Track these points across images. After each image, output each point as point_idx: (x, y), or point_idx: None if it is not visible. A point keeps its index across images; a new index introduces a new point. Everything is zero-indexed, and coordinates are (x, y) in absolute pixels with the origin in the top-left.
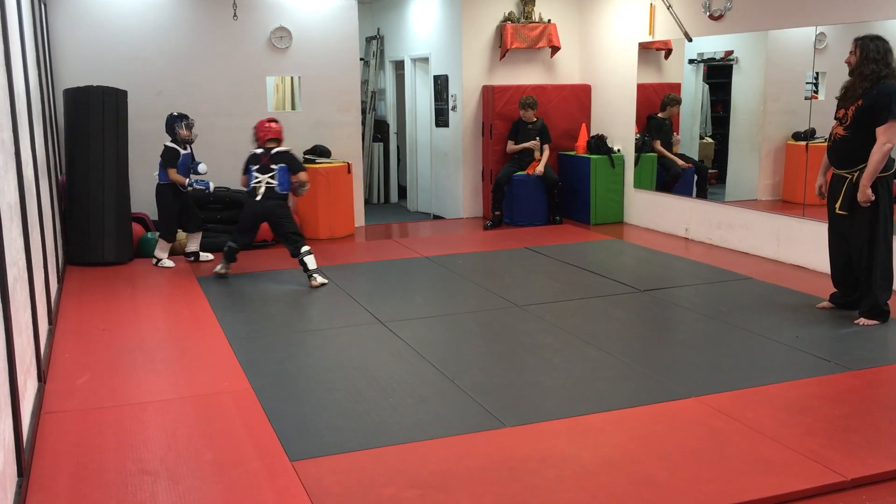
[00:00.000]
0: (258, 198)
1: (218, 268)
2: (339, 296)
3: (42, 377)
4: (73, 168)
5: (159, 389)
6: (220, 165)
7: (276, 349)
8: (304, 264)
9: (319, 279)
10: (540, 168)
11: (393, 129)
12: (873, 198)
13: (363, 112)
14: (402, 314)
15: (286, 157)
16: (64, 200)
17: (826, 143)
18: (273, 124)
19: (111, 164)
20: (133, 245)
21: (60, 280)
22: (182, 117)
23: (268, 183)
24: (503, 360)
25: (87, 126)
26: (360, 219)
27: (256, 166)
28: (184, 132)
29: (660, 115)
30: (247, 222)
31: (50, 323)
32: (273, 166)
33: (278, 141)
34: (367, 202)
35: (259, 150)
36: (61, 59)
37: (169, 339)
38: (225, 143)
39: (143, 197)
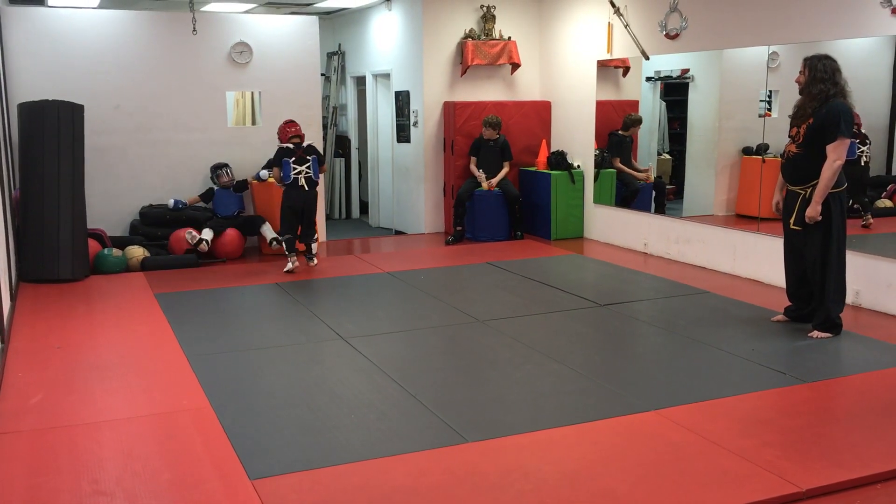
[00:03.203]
0: (305, 187)
1: (290, 267)
2: (300, 312)
3: None
4: (28, 183)
5: (115, 408)
6: (178, 180)
7: (235, 366)
8: (310, 249)
9: (315, 261)
10: (493, 181)
11: (354, 144)
12: (819, 218)
13: (324, 127)
14: (363, 330)
15: (315, 149)
16: (18, 216)
17: (780, 160)
18: (290, 126)
19: (67, 179)
20: (89, 262)
21: (13, 297)
22: (221, 166)
23: (305, 173)
24: (465, 376)
25: (43, 140)
26: (321, 234)
27: (293, 158)
28: (224, 178)
29: (621, 132)
30: (292, 213)
31: (2, 341)
32: (307, 157)
33: (300, 136)
34: (329, 217)
35: (290, 146)
36: (16, 73)
37: (126, 357)
38: (184, 158)
39: (99, 212)
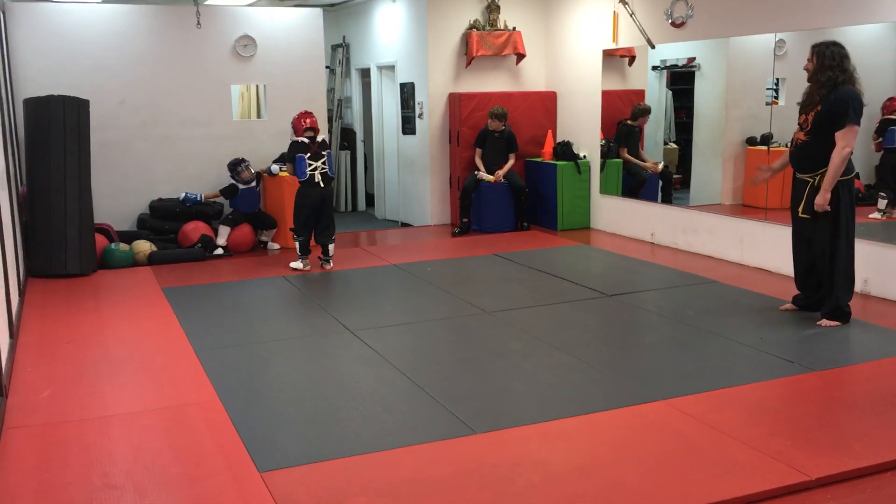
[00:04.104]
0: (321, 184)
1: (298, 264)
2: (308, 305)
3: (4, 392)
4: (35, 179)
5: (125, 402)
6: (185, 174)
7: (243, 359)
8: (327, 250)
9: (331, 264)
10: (500, 173)
11: (360, 136)
12: (828, 208)
13: (329, 120)
14: (371, 322)
15: (328, 145)
16: (25, 212)
17: (788, 149)
18: (308, 117)
19: (73, 174)
20: (96, 256)
21: (22, 293)
22: (240, 161)
23: (321, 169)
24: (473, 367)
25: (49, 136)
26: None
27: (308, 154)
28: (245, 174)
29: (630, 122)
30: (309, 210)
31: (11, 337)
32: (322, 153)
33: (315, 130)
34: (335, 210)
35: (305, 140)
36: (21, 69)
37: (134, 351)
38: (190, 153)
39: (106, 207)
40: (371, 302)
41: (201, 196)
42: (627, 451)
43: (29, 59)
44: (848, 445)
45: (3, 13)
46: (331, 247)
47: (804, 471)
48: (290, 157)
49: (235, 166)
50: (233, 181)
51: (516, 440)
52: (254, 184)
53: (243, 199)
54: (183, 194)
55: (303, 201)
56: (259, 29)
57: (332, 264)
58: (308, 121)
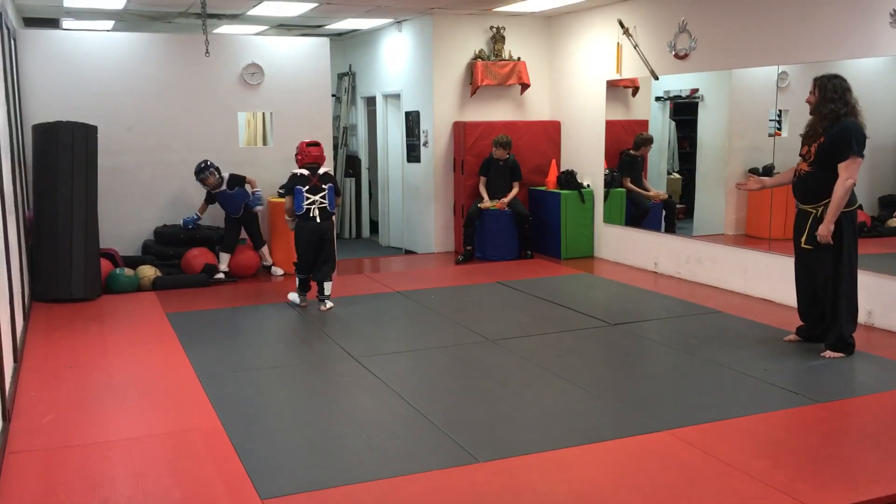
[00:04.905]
0: (317, 219)
1: (295, 297)
2: (311, 331)
3: (7, 416)
4: (41, 203)
5: (127, 427)
6: (190, 201)
7: (246, 385)
8: (323, 289)
9: (329, 304)
10: (505, 200)
11: (365, 164)
12: (830, 240)
13: (335, 147)
14: (374, 349)
15: (332, 177)
16: (31, 236)
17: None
18: (313, 149)
19: (80, 199)
20: (101, 281)
21: (26, 317)
22: (203, 168)
23: (320, 203)
24: (475, 395)
25: (56, 161)
26: None
27: (307, 187)
28: (211, 180)
29: (632, 151)
30: (307, 246)
31: (15, 361)
32: (323, 186)
33: (320, 162)
34: (339, 237)
35: (304, 172)
36: (30, 95)
37: (137, 376)
38: (196, 179)
39: (112, 232)
40: (374, 329)
41: (197, 214)
42: (630, 480)
43: (39, 86)
44: (853, 478)
45: (14, 40)
46: (327, 285)
47: (809, 503)
48: (287, 190)
49: (199, 173)
50: (206, 191)
51: (519, 469)
52: (224, 188)
53: (225, 204)
54: (182, 221)
55: (300, 235)
56: (266, 57)
57: (328, 305)
58: (314, 153)
